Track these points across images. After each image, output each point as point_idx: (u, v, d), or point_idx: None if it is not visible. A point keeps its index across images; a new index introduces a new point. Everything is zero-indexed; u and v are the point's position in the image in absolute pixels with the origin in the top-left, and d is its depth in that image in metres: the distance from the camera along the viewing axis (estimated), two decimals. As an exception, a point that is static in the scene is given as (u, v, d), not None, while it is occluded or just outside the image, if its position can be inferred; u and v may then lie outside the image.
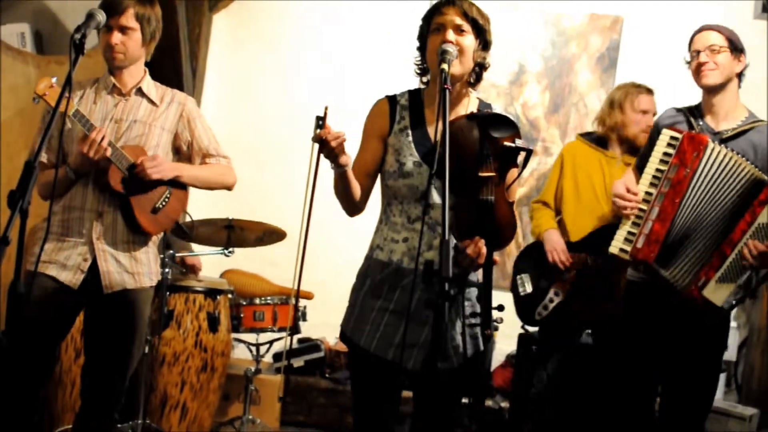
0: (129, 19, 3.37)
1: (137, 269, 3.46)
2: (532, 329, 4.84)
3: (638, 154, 3.99)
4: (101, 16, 3.15)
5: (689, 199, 3.48)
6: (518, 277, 4.61)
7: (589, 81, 5.98)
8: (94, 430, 3.47)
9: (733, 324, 5.63)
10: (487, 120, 2.77)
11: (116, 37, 3.37)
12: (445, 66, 2.66)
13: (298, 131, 6.07)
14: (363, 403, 2.93)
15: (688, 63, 3.74)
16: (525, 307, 4.54)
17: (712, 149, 3.47)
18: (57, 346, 3.60)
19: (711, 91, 3.68)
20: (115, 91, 3.48)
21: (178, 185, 3.55)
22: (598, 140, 4.56)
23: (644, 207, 3.55)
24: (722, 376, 5.43)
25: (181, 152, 3.62)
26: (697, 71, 3.66)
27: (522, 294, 4.54)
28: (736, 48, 3.70)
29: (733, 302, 3.50)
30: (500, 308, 2.72)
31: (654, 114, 4.44)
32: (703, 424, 3.78)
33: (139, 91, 3.50)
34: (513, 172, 2.86)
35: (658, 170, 3.55)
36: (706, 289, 3.46)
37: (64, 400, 4.44)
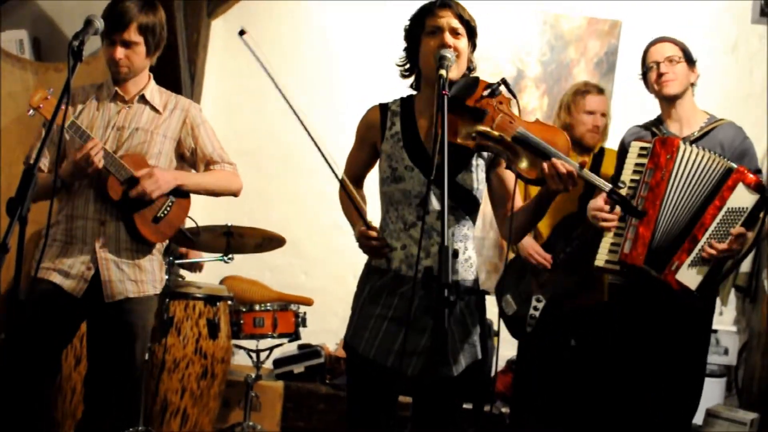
0: (132, 34, 3.35)
1: (140, 277, 3.46)
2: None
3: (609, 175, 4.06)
4: (99, 23, 3.13)
5: (669, 200, 3.56)
6: (502, 299, 4.64)
7: (587, 85, 5.98)
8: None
9: (732, 328, 5.64)
10: (454, 93, 2.78)
11: (120, 52, 3.36)
12: (443, 72, 2.66)
13: (297, 137, 6.07)
14: (359, 410, 2.93)
15: (643, 75, 3.87)
16: (515, 325, 4.57)
17: (684, 150, 3.57)
18: (60, 354, 3.60)
19: (671, 100, 3.81)
20: (118, 99, 3.46)
21: (181, 193, 3.53)
22: None
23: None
24: (723, 381, 5.44)
25: (185, 159, 3.61)
26: (658, 81, 3.79)
27: (510, 314, 4.58)
28: (690, 60, 3.83)
29: (704, 288, 3.53)
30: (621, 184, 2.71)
31: (603, 114, 4.51)
32: (689, 423, 3.83)
33: (142, 99, 3.49)
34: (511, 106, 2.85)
35: (632, 180, 3.63)
36: (678, 273, 3.51)
37: (64, 407, 4.44)
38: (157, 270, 3.55)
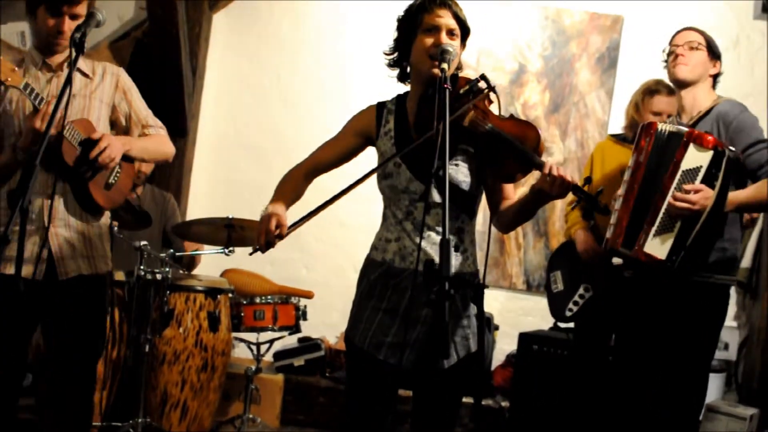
0: (83, 7, 3.25)
1: (92, 253, 3.37)
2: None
3: None
4: (101, 16, 3.12)
5: (646, 181, 3.54)
6: (551, 274, 4.63)
7: (589, 81, 5.99)
8: (67, 427, 3.40)
9: (733, 324, 5.64)
10: (432, 92, 2.76)
11: (68, 24, 3.24)
12: (445, 66, 2.65)
13: (298, 129, 6.10)
14: (356, 402, 2.93)
15: (666, 60, 3.82)
16: (557, 305, 4.55)
17: (660, 130, 3.54)
18: (29, 341, 3.51)
19: (681, 86, 3.76)
20: (45, 68, 3.35)
21: (126, 159, 3.43)
22: (624, 138, 4.62)
23: None
24: (722, 376, 5.44)
25: (118, 125, 3.49)
26: (672, 63, 3.75)
27: (555, 291, 4.56)
28: (714, 52, 3.77)
29: (675, 258, 3.45)
30: (588, 180, 2.74)
31: (670, 115, 4.47)
32: (696, 419, 3.80)
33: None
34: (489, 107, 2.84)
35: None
36: (646, 245, 3.47)
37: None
38: (106, 245, 3.47)
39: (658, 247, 3.45)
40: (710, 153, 3.42)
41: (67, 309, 3.33)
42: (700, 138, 3.45)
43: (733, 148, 3.50)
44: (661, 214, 3.46)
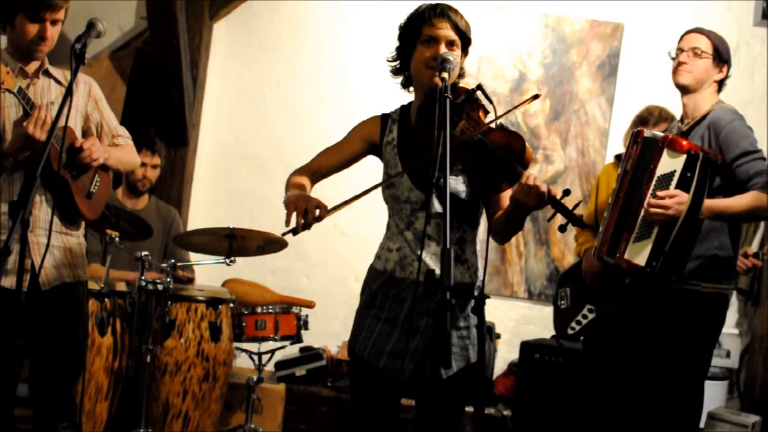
0: (62, 13, 3.26)
1: (73, 261, 3.38)
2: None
3: None
4: (102, 26, 3.12)
5: (630, 189, 3.54)
6: (561, 290, 4.65)
7: (589, 88, 5.98)
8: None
9: (734, 331, 5.64)
10: (430, 102, 2.77)
11: (50, 30, 3.24)
12: (446, 75, 2.66)
13: (299, 139, 6.10)
14: (359, 411, 2.94)
15: (673, 58, 3.80)
16: (561, 321, 4.57)
17: (645, 137, 3.54)
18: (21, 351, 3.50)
19: (682, 91, 3.76)
20: (21, 75, 3.31)
21: (102, 168, 3.43)
22: None
23: None
24: (724, 384, 5.44)
25: (89, 134, 3.46)
26: (674, 69, 3.74)
27: (561, 307, 4.58)
28: (720, 57, 3.74)
29: (655, 263, 3.45)
30: (566, 192, 2.67)
31: (672, 120, 4.46)
32: (696, 428, 3.80)
33: (46, 73, 3.38)
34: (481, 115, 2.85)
35: None
36: (626, 252, 3.48)
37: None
38: (84, 254, 3.47)
39: (637, 253, 3.47)
40: (683, 157, 3.42)
41: (53, 318, 3.33)
42: (673, 143, 3.45)
43: (711, 150, 3.50)
44: (639, 221, 3.47)
